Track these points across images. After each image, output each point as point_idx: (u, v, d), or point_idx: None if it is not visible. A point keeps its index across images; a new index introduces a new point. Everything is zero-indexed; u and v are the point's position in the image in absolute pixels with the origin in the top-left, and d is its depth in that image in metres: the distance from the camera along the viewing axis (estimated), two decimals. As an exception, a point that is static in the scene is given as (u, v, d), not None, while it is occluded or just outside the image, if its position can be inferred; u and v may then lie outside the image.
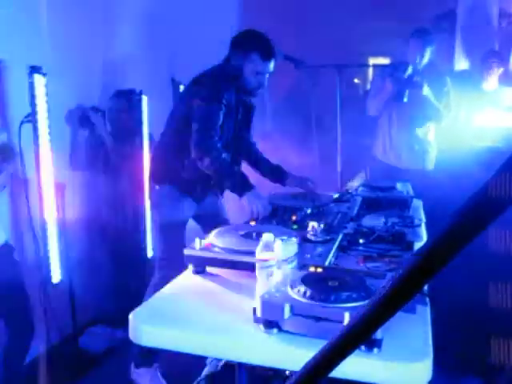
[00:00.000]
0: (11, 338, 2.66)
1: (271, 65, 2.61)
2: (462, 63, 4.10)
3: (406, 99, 3.47)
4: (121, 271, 3.65)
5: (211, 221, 2.73)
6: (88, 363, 3.13)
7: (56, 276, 2.90)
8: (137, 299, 1.56)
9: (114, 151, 3.46)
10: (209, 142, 2.45)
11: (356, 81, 5.05)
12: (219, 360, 2.02)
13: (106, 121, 3.42)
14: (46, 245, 2.84)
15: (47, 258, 2.86)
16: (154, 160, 2.84)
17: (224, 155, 2.49)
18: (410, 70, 3.43)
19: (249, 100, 2.77)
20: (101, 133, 3.37)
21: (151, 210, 3.03)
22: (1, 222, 2.71)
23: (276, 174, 2.90)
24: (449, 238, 0.42)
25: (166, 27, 3.96)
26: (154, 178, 2.77)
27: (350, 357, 1.17)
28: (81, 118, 3.21)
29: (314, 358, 0.53)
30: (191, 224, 2.84)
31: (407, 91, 3.44)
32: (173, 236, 2.65)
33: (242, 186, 2.42)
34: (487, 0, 4.15)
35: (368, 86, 4.53)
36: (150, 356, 2.71)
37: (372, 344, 1.19)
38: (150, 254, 3.69)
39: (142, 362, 2.73)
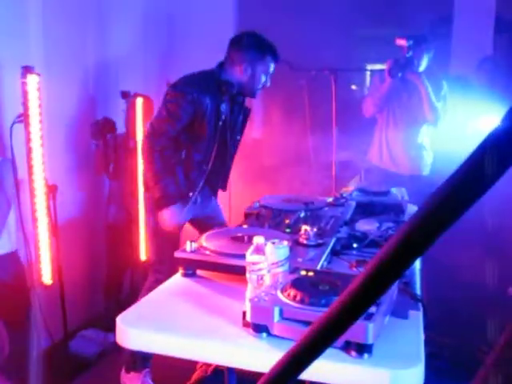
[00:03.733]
0: (12, 343, 2.62)
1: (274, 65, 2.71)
2: (457, 68, 4.10)
3: (400, 74, 3.48)
4: (113, 274, 3.62)
5: (207, 224, 2.70)
6: (79, 368, 3.09)
7: (47, 278, 2.87)
8: (129, 303, 1.53)
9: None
10: (162, 130, 2.54)
11: (353, 86, 5.04)
12: (209, 364, 1.99)
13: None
14: (37, 247, 2.81)
15: (38, 261, 2.83)
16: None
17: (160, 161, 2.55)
18: (410, 53, 3.44)
19: (243, 104, 2.80)
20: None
21: (145, 215, 2.99)
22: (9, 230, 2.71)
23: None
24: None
25: (161, 29, 3.95)
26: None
27: (341, 363, 1.16)
28: (93, 129, 3.18)
29: (285, 356, 0.50)
30: (188, 228, 2.81)
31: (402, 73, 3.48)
32: (167, 240, 2.64)
33: (166, 198, 2.55)
34: (483, 6, 4.15)
35: (365, 92, 4.52)
36: (141, 360, 2.68)
37: (362, 349, 1.17)
38: (143, 257, 3.66)
39: (132, 367, 2.69)
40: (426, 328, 1.41)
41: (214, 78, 2.65)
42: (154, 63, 4.14)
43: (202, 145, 2.64)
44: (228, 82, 2.64)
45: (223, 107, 2.64)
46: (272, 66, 2.68)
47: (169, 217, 2.57)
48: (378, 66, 4.18)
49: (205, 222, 2.78)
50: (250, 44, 2.65)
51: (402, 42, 3.41)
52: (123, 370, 2.73)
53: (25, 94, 2.60)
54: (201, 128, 2.60)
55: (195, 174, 2.66)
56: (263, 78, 2.68)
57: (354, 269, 1.72)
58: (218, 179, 2.83)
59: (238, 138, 2.86)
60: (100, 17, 3.55)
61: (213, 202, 2.90)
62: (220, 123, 2.64)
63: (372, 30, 4.47)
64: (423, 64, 3.59)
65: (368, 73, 4.65)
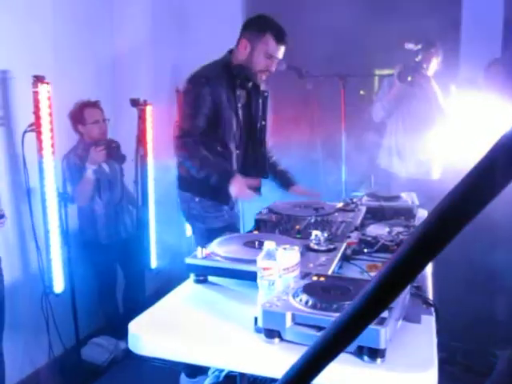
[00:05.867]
0: None
1: (281, 51, 2.61)
2: (466, 72, 4.09)
3: (410, 78, 3.47)
4: (124, 281, 3.63)
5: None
6: (91, 375, 3.10)
7: (58, 286, 2.89)
8: (140, 309, 1.54)
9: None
10: (190, 127, 2.51)
11: (361, 92, 5.04)
12: (221, 370, 1.99)
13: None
14: (48, 254, 2.83)
15: (50, 268, 2.85)
16: (178, 168, 2.79)
17: (203, 151, 2.51)
18: (419, 58, 3.44)
19: (258, 89, 2.75)
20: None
21: (190, 222, 2.83)
22: None
23: (283, 178, 2.90)
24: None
25: (172, 37, 3.97)
26: (180, 185, 2.76)
27: (354, 367, 1.15)
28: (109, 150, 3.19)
29: (298, 361, 0.50)
30: None
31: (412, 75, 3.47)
32: None
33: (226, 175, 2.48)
34: (492, 10, 4.14)
35: (373, 97, 4.52)
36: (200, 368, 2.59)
37: (375, 354, 1.16)
38: (153, 264, 3.67)
39: (193, 374, 2.65)
40: (439, 333, 1.40)
41: (225, 63, 2.63)
42: (165, 71, 4.17)
43: (229, 134, 2.61)
44: (238, 65, 2.61)
45: (238, 92, 2.62)
46: (275, 48, 2.58)
47: (238, 188, 2.45)
48: (387, 71, 4.17)
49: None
50: (253, 21, 2.62)
51: (410, 46, 3.41)
52: (183, 375, 2.69)
53: (36, 102, 2.63)
54: (224, 116, 2.57)
55: (233, 164, 2.64)
56: (263, 60, 2.59)
57: (366, 273, 1.72)
58: (252, 169, 2.78)
59: (264, 123, 2.81)
60: (110, 25, 3.58)
61: (237, 205, 2.87)
62: (239, 109, 2.61)
63: (380, 34, 4.46)
64: (432, 68, 3.59)
65: (376, 78, 4.65)
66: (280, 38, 2.58)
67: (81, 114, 3.22)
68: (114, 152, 3.19)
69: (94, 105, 3.26)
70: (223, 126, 2.60)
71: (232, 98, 2.60)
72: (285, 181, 2.89)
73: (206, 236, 2.53)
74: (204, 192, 2.65)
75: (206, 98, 2.52)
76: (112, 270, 3.51)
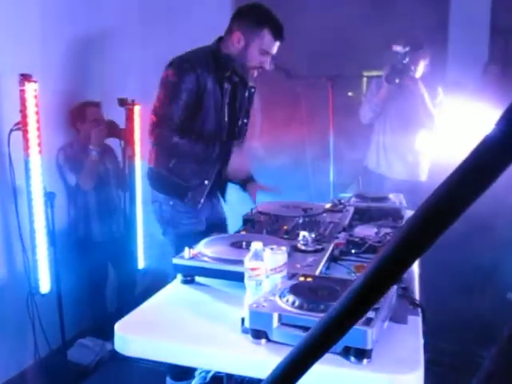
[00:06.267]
0: None
1: (276, 47, 2.45)
2: (454, 74, 4.12)
3: (397, 80, 3.48)
4: (111, 282, 3.61)
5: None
6: (77, 376, 3.08)
7: (44, 287, 2.86)
8: (127, 310, 1.53)
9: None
10: (167, 114, 2.37)
11: (350, 93, 5.06)
12: (208, 371, 1.98)
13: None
14: (34, 255, 2.80)
15: (36, 269, 2.82)
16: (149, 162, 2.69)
17: (176, 138, 2.38)
18: (407, 60, 3.45)
19: (246, 84, 2.60)
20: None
21: (162, 225, 2.67)
22: None
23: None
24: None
25: (161, 35, 3.95)
26: (151, 183, 2.66)
27: (340, 368, 1.15)
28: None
29: (283, 361, 0.50)
30: None
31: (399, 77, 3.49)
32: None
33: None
34: (478, 12, 4.18)
35: (362, 98, 4.54)
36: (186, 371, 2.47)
37: (362, 355, 1.16)
38: (141, 264, 3.65)
39: (179, 377, 2.56)
40: (426, 333, 1.41)
41: (213, 52, 2.45)
42: (153, 70, 4.14)
43: (208, 128, 2.45)
44: (227, 55, 2.44)
45: (226, 85, 2.46)
46: (272, 44, 2.41)
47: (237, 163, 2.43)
48: (375, 73, 4.19)
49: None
50: (249, 12, 2.41)
51: (398, 49, 3.42)
52: (168, 378, 2.60)
53: (23, 101, 2.61)
54: (205, 107, 2.42)
55: (207, 160, 2.48)
56: (258, 56, 2.43)
57: (353, 274, 1.72)
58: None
59: (246, 120, 2.66)
60: (99, 24, 3.55)
61: (220, 207, 2.79)
62: (226, 103, 2.46)
63: (368, 36, 4.48)
64: (420, 70, 3.61)
65: (365, 79, 4.67)
66: (278, 33, 2.41)
67: (82, 111, 3.29)
68: (114, 131, 3.29)
69: (97, 105, 3.33)
70: (202, 118, 2.44)
71: (218, 90, 2.43)
72: (243, 181, 2.69)
73: (179, 243, 2.39)
74: (174, 191, 2.53)
75: (188, 86, 2.34)
76: (103, 269, 3.52)
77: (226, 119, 2.54)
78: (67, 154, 3.24)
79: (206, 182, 2.54)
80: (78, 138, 3.33)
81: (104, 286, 3.55)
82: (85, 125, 3.28)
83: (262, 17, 2.40)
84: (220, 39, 2.51)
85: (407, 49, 3.47)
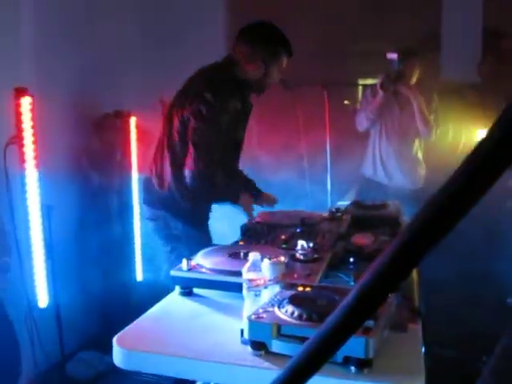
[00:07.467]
0: None
1: None
2: (448, 80, 4.14)
3: (392, 87, 3.50)
4: (110, 295, 3.59)
5: None
6: (76, 391, 3.05)
7: (43, 301, 2.84)
8: (126, 323, 1.51)
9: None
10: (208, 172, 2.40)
11: (345, 102, 5.07)
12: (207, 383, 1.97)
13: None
14: (32, 268, 2.79)
15: (33, 283, 2.80)
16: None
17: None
18: (401, 67, 3.47)
19: (248, 100, 2.63)
20: None
21: (171, 243, 2.62)
22: None
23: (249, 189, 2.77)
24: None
25: (155, 47, 3.96)
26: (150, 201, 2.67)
27: (341, 378, 1.14)
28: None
29: (282, 373, 0.49)
30: None
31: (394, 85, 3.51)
32: None
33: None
34: (471, 18, 4.21)
35: (357, 106, 4.56)
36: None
37: (362, 364, 1.16)
38: (139, 277, 3.64)
39: None
40: (426, 341, 1.40)
41: (231, 77, 2.48)
42: (149, 82, 4.14)
43: (217, 150, 2.46)
44: (246, 82, 2.50)
45: (239, 106, 2.50)
46: (285, 61, 2.52)
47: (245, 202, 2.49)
48: (370, 81, 4.21)
49: None
50: (262, 39, 2.48)
51: (392, 56, 3.44)
52: None
53: (18, 115, 2.60)
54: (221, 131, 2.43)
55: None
56: (276, 75, 2.55)
57: (352, 283, 1.72)
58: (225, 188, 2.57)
59: (242, 137, 2.69)
60: (94, 37, 3.56)
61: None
62: (237, 123, 2.52)
63: (363, 44, 4.51)
64: (414, 77, 3.62)
65: (360, 87, 4.68)
66: (291, 53, 2.52)
67: (103, 121, 3.54)
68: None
69: (116, 115, 3.58)
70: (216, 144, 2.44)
71: (234, 114, 2.47)
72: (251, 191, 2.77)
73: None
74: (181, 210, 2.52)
75: (214, 117, 2.37)
76: (101, 281, 3.51)
77: (232, 137, 2.57)
78: (91, 157, 3.46)
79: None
80: (101, 145, 3.55)
81: (102, 298, 3.53)
82: (107, 132, 3.52)
83: (275, 41, 2.48)
84: (232, 59, 2.51)
85: (401, 56, 3.50)
